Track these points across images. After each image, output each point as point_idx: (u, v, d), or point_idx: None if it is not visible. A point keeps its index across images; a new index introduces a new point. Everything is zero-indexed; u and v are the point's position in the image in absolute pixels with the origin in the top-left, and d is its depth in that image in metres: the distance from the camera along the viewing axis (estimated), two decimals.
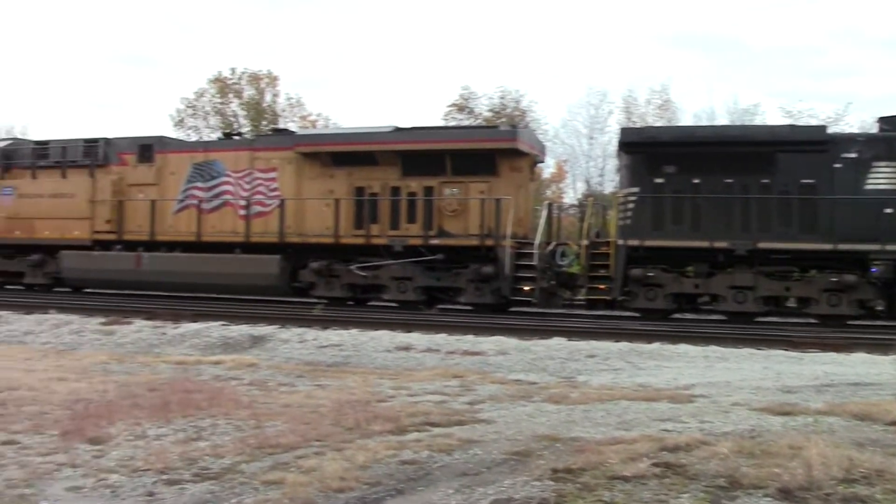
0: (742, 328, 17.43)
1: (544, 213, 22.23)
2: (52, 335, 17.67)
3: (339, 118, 53.89)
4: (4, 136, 39.02)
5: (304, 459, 6.92)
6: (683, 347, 14.52)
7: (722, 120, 42.20)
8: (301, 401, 9.60)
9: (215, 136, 44.18)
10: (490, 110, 46.00)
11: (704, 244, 19.34)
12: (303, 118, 52.35)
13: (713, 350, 14.27)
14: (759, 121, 41.61)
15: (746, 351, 14.20)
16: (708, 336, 15.88)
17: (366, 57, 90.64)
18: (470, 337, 15.73)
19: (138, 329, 17.63)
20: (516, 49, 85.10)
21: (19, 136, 38.99)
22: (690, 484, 5.87)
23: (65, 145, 26.93)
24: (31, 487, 6.31)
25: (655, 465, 6.21)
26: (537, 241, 20.83)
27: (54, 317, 19.13)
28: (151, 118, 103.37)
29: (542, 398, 9.84)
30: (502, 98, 46.67)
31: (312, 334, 16.31)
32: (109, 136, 26.34)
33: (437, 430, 7.94)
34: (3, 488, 6.26)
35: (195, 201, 24.23)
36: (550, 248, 21.12)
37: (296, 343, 15.73)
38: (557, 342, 15.11)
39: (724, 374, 12.11)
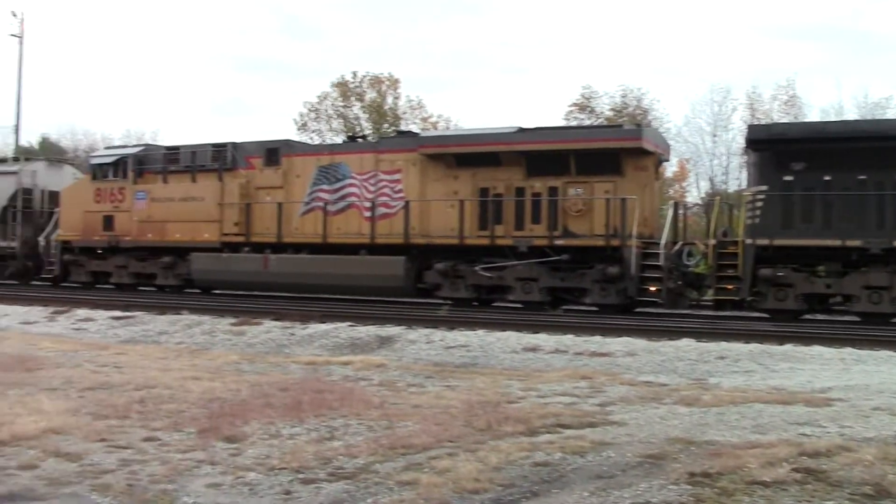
0: (878, 329, 16.79)
1: (670, 213, 21.87)
2: (185, 335, 18.12)
3: (460, 119, 54.25)
4: (137, 143, 40.27)
5: (437, 460, 6.98)
6: (817, 349, 14.03)
7: (851, 115, 40.78)
8: (431, 401, 9.66)
9: (338, 139, 44.89)
10: (611, 109, 45.63)
11: (836, 243, 18.72)
12: (423, 120, 52.75)
13: (849, 352, 13.74)
14: (891, 114, 40.21)
15: (885, 353, 13.62)
16: (842, 338, 15.25)
17: (485, 58, 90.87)
18: (597, 338, 15.51)
19: (268, 329, 17.94)
20: (637, 47, 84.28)
21: (151, 142, 40.26)
22: (834, 491, 5.73)
23: (194, 150, 27.61)
24: (173, 483, 6.51)
25: (796, 470, 6.08)
26: (663, 240, 20.48)
27: (187, 317, 19.63)
28: (275, 123, 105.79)
29: (673, 400, 9.71)
30: (624, 96, 46.31)
31: (439, 335, 16.33)
32: (236, 140, 26.93)
33: (568, 432, 7.92)
34: (147, 483, 6.48)
35: (321, 203, 24.54)
36: (677, 247, 20.78)
37: (423, 344, 15.78)
38: (686, 343, 14.80)
39: (861, 377, 11.73)
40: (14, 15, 54.74)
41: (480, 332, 16.44)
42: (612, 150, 21.37)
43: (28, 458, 7.08)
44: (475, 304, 22.68)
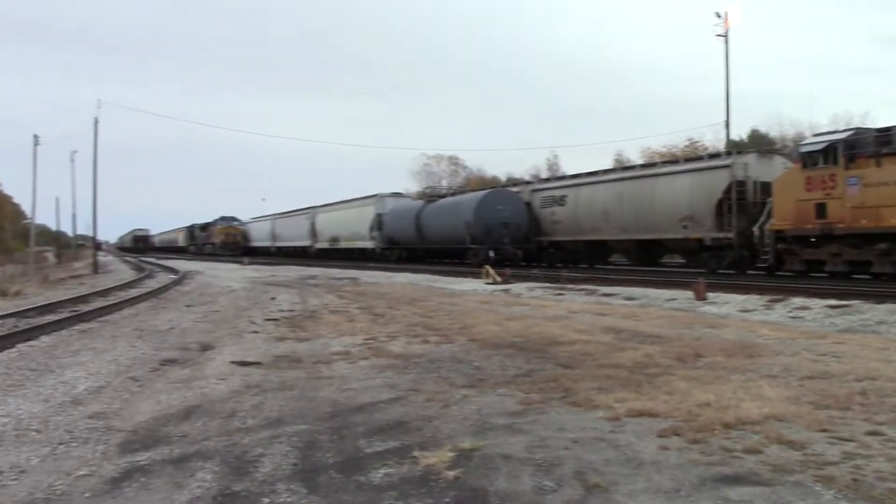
0: None
1: None
2: None
3: None
4: (846, 128, 39.37)
5: None
6: None
7: None
8: None
9: None
10: None
11: None
12: None
13: None
14: None
15: None
16: None
17: None
18: None
19: None
20: None
21: (860, 126, 39.09)
22: None
23: None
24: None
25: None
26: None
27: None
28: None
29: None
30: None
31: None
32: None
33: None
34: (873, 479, 6.17)
35: None
36: None
37: None
38: None
39: None
40: (718, 16, 56.81)
41: None
42: None
43: (752, 442, 7.18)
44: None
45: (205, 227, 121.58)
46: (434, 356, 12.89)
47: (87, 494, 6.34)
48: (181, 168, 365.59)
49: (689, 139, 75.81)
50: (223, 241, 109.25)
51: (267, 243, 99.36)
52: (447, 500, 5.98)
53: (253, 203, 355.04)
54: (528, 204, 48.44)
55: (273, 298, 26.70)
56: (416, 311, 20.81)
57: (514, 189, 52.19)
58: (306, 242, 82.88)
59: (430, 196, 62.30)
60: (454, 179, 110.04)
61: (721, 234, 33.99)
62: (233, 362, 12.84)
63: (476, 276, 36.41)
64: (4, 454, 7.53)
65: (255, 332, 17.25)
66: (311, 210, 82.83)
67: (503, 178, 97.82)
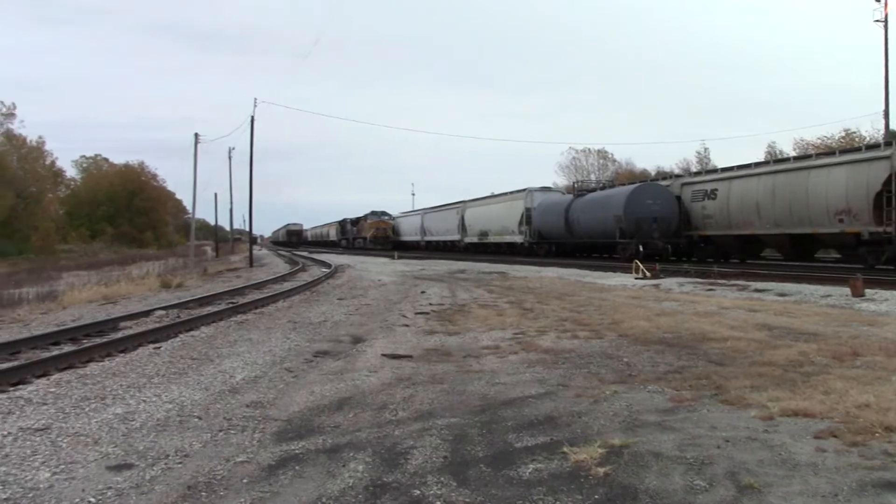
0: None
1: None
2: None
3: None
4: None
5: None
6: None
7: None
8: None
9: None
10: None
11: None
12: None
13: None
14: None
15: None
16: None
17: None
18: None
19: None
20: None
21: None
22: None
23: None
24: None
25: None
26: None
27: None
28: None
29: None
30: None
31: None
32: None
33: None
34: None
35: None
36: None
37: None
38: None
39: None
40: (877, 0, 54.59)
41: None
42: None
43: None
44: None
45: (356, 221, 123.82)
46: (583, 351, 12.85)
47: (245, 480, 6.58)
48: (333, 163, 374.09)
49: (845, 130, 73.08)
50: (374, 236, 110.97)
51: (416, 238, 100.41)
52: (597, 496, 5.96)
53: (402, 197, 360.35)
54: (678, 198, 47.66)
55: (423, 292, 27.00)
56: (566, 305, 20.74)
57: (664, 183, 51.39)
58: (455, 237, 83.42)
59: (579, 190, 61.87)
60: (603, 173, 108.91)
61: (880, 229, 32.77)
62: (384, 355, 13.08)
63: (625, 270, 36.04)
64: (169, 439, 7.89)
65: (406, 325, 17.51)
66: (461, 204, 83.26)
67: (652, 171, 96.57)
